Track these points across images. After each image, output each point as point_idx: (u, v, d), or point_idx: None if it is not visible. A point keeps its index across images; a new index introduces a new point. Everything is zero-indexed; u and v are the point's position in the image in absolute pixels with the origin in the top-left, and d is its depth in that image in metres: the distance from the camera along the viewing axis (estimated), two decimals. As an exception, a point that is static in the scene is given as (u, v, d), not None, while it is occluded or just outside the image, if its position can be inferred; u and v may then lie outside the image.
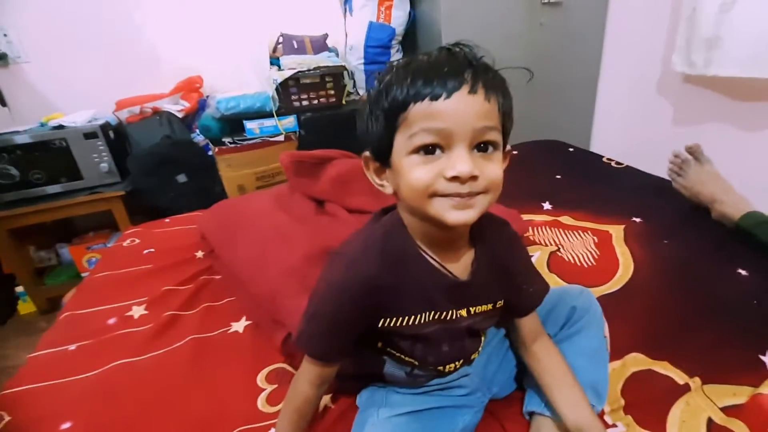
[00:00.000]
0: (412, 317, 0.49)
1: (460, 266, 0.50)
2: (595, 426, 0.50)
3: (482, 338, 0.58)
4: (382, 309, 0.48)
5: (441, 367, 0.55)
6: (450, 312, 0.50)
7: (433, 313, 0.49)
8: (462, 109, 0.40)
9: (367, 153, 0.48)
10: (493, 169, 0.42)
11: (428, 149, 0.41)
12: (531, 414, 0.57)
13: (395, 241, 0.48)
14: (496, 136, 0.42)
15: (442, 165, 0.41)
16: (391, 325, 0.49)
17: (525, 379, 0.60)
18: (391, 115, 0.42)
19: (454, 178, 0.40)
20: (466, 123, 0.40)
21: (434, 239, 0.48)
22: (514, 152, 1.54)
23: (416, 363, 0.54)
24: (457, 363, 0.55)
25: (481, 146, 0.42)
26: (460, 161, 0.40)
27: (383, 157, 0.45)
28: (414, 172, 0.41)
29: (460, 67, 0.41)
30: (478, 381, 0.59)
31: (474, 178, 0.41)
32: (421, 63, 0.42)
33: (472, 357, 0.57)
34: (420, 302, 0.49)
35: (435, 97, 0.40)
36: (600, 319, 0.62)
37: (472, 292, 0.51)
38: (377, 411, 0.54)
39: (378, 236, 0.49)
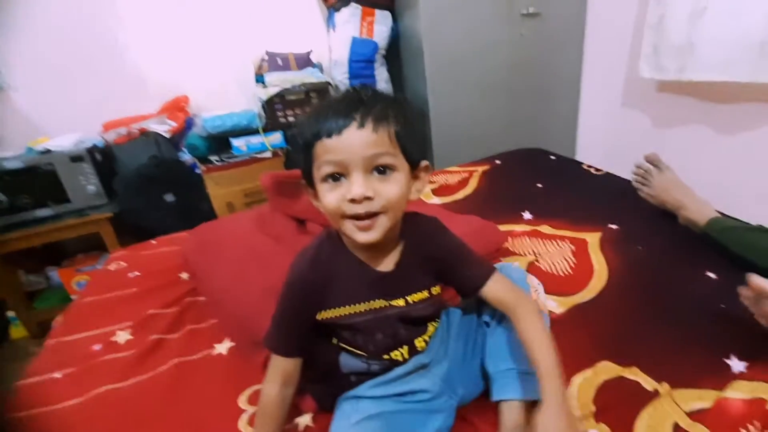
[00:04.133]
0: (343, 308, 0.57)
1: (388, 262, 0.58)
2: (553, 394, 0.51)
3: (429, 327, 0.62)
4: (318, 303, 0.57)
5: (386, 355, 0.60)
6: (378, 302, 0.57)
7: (361, 304, 0.57)
8: (351, 142, 0.48)
9: (303, 181, 0.57)
10: (390, 188, 0.50)
11: (334, 177, 0.50)
12: (498, 403, 0.60)
13: (326, 247, 0.58)
14: (389, 160, 0.50)
15: (345, 189, 0.50)
16: (328, 317, 0.57)
17: (487, 368, 0.62)
18: (306, 150, 0.52)
19: (352, 200, 0.49)
20: (356, 153, 0.48)
21: (363, 247, 0.56)
22: (497, 162, 1.57)
23: (363, 353, 0.59)
24: (401, 350, 0.60)
25: (380, 170, 0.50)
26: (355, 185, 0.49)
27: (311, 183, 0.54)
28: (326, 197, 0.51)
29: (351, 106, 0.50)
30: (440, 383, 0.61)
31: (369, 198, 0.49)
32: (323, 106, 0.52)
33: (418, 345, 0.61)
34: (349, 295, 0.57)
35: (329, 135, 0.49)
36: (525, 285, 0.66)
37: (399, 283, 0.58)
38: (348, 417, 0.57)
39: (313, 245, 0.59)
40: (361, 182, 0.49)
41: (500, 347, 0.61)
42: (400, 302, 0.58)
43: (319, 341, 0.60)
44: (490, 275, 0.61)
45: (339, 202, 0.50)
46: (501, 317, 0.63)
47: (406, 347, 0.60)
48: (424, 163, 0.56)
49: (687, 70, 1.46)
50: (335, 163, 0.49)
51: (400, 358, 0.60)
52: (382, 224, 0.51)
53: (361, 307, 0.57)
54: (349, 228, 0.51)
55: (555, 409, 0.50)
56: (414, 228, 0.60)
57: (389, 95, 0.54)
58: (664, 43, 1.51)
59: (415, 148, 0.53)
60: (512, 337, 0.61)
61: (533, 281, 0.65)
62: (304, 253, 0.59)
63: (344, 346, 0.60)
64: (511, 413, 0.58)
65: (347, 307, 0.57)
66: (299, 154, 0.54)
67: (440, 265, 0.61)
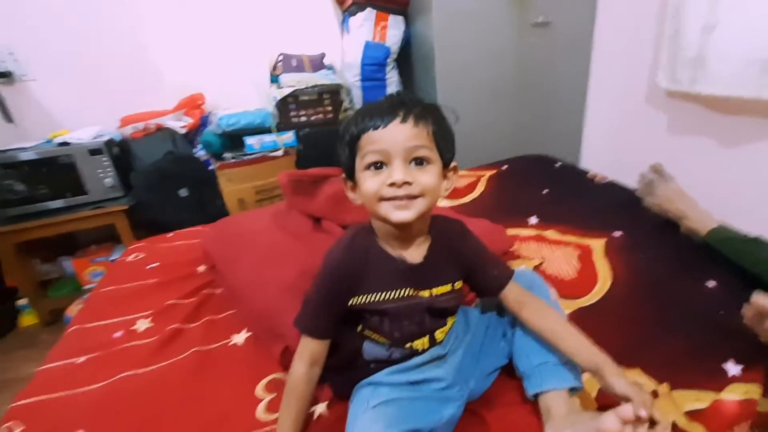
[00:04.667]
0: (375, 295, 0.61)
1: (417, 255, 0.62)
2: (607, 361, 0.57)
3: (447, 320, 0.67)
4: (351, 289, 0.61)
5: (409, 344, 0.64)
6: (408, 291, 0.61)
7: (392, 292, 0.61)
8: (395, 133, 0.55)
9: (342, 175, 0.63)
10: (427, 177, 0.56)
11: (376, 165, 0.56)
12: (536, 396, 0.62)
13: (360, 238, 0.63)
14: (426, 153, 0.56)
15: (385, 176, 0.55)
16: (359, 302, 0.61)
17: (518, 366, 0.66)
18: (351, 144, 0.58)
19: (392, 184, 0.54)
20: (399, 143, 0.55)
21: (395, 236, 0.61)
22: (504, 167, 1.60)
23: (388, 341, 0.63)
24: (424, 340, 0.64)
25: (417, 161, 0.56)
26: (395, 171, 0.54)
27: (351, 176, 0.60)
28: (367, 183, 0.56)
29: (395, 105, 0.56)
30: (454, 373, 0.65)
31: (408, 183, 0.54)
32: (368, 107, 0.58)
33: (437, 336, 0.65)
34: (381, 283, 0.61)
35: (375, 128, 0.55)
36: (543, 287, 0.71)
37: (426, 274, 0.62)
38: (367, 401, 0.60)
39: (347, 236, 0.64)
40: (402, 168, 0.54)
41: (529, 345, 0.64)
42: (426, 293, 0.62)
43: (344, 330, 0.64)
44: (512, 277, 0.67)
45: (379, 187, 0.55)
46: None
47: (427, 337, 0.65)
48: (453, 164, 0.61)
49: (698, 82, 1.49)
50: (379, 151, 0.55)
51: (420, 348, 0.65)
52: (417, 206, 0.56)
53: (392, 295, 0.61)
54: (386, 208, 0.56)
55: (615, 368, 0.55)
56: (442, 226, 0.65)
57: (425, 100, 0.59)
58: (678, 55, 1.54)
59: (448, 148, 0.59)
60: (538, 336, 0.64)
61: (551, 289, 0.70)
62: (339, 242, 0.64)
63: (369, 334, 0.64)
64: (557, 403, 0.60)
65: (379, 294, 0.61)
66: (342, 149, 0.60)
67: (467, 263, 0.66)
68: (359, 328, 0.64)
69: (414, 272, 0.62)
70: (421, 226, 0.62)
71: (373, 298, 0.61)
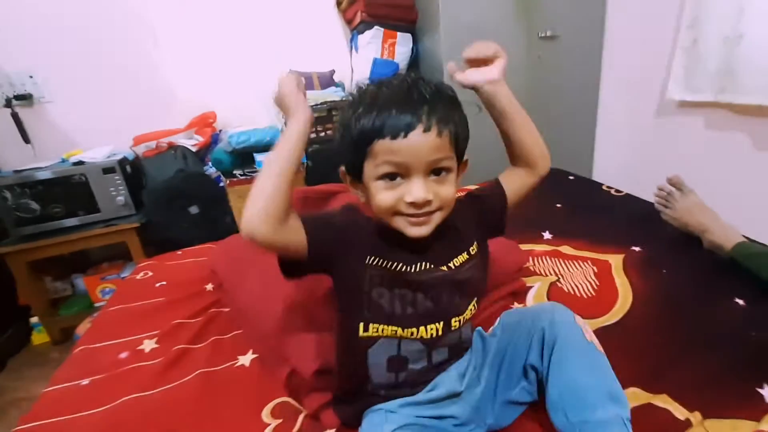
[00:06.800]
0: (393, 264, 0.55)
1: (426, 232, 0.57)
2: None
3: (467, 307, 0.61)
4: (367, 244, 0.55)
5: (422, 327, 0.57)
6: (427, 264, 0.57)
7: (410, 266, 0.56)
8: (417, 146, 0.49)
9: (342, 168, 0.58)
10: (446, 189, 0.52)
11: (391, 176, 0.51)
12: None
13: (376, 219, 0.56)
14: (448, 163, 0.52)
15: (402, 191, 0.51)
16: (378, 264, 0.55)
17: (554, 420, 0.57)
18: (360, 144, 0.51)
19: (412, 203, 0.50)
20: (421, 158, 0.49)
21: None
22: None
23: (396, 328, 0.56)
24: (437, 325, 0.58)
25: (437, 171, 0.51)
26: (416, 189, 0.50)
27: (356, 175, 0.55)
28: (380, 195, 0.52)
29: (417, 104, 0.49)
30: (470, 411, 0.60)
31: (428, 202, 0.50)
32: (383, 98, 0.50)
33: (453, 324, 0.59)
34: (396, 253, 0.56)
35: (395, 136, 0.48)
36: (575, 327, 0.59)
37: (441, 245, 0.58)
38: (381, 427, 0.56)
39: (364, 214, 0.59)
40: (422, 185, 0.50)
41: (565, 398, 0.55)
42: (444, 268, 0.58)
43: (347, 338, 0.59)
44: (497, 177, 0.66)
45: (395, 202, 0.51)
46: (557, 361, 0.57)
47: (441, 323, 0.58)
48: (465, 157, 0.58)
49: (726, 91, 1.46)
50: (396, 164, 0.50)
51: (434, 334, 0.58)
52: (435, 220, 0.53)
53: (411, 268, 0.56)
54: (401, 223, 0.52)
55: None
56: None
57: (445, 91, 0.53)
58: (698, 66, 1.52)
59: (465, 145, 0.55)
60: (583, 379, 0.54)
61: (579, 320, 0.60)
62: (352, 204, 0.60)
63: (374, 331, 0.56)
64: None
65: (397, 264, 0.56)
66: (347, 143, 0.53)
67: (471, 212, 0.62)
68: (362, 326, 0.57)
69: (428, 245, 0.57)
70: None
71: (392, 265, 0.55)
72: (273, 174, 0.48)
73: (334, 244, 0.54)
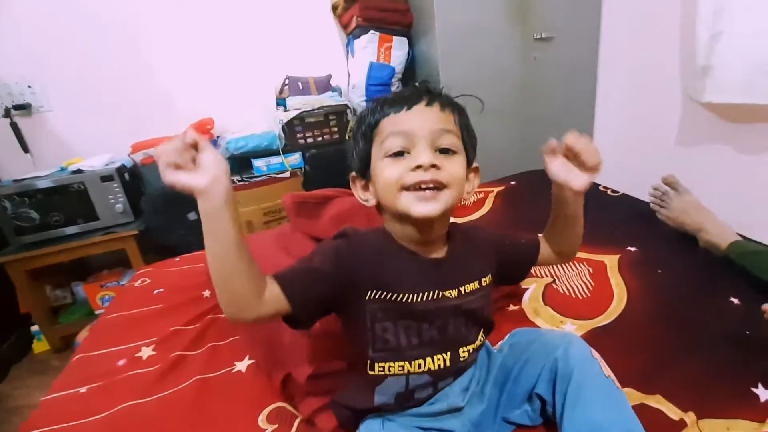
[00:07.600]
0: (396, 295, 0.52)
1: (439, 251, 0.57)
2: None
3: (477, 336, 0.58)
4: (366, 278, 0.52)
5: (429, 359, 0.54)
6: (434, 293, 0.54)
7: (416, 295, 0.53)
8: (421, 115, 0.51)
9: (353, 173, 0.58)
10: (454, 166, 0.51)
11: (398, 153, 0.50)
12: None
13: (374, 234, 0.57)
14: (453, 140, 0.52)
15: (409, 162, 0.50)
16: (380, 297, 0.52)
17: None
18: (367, 133, 0.53)
19: (418, 167, 0.49)
20: (425, 126, 0.50)
21: (413, 239, 0.55)
22: (512, 182, 1.58)
23: (407, 366, 0.54)
24: (444, 355, 0.55)
25: (443, 150, 0.51)
26: (422, 154, 0.49)
27: (365, 170, 0.55)
28: (386, 170, 0.51)
29: (418, 91, 0.52)
30: (470, 425, 0.59)
31: (436, 167, 0.49)
32: (388, 96, 0.54)
33: (461, 354, 0.57)
34: (402, 281, 0.53)
35: (398, 111, 0.51)
36: (592, 361, 0.57)
37: (452, 270, 0.56)
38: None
39: (362, 232, 0.58)
40: (428, 152, 0.49)
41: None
42: (453, 293, 0.55)
43: (357, 378, 0.58)
44: (537, 239, 0.66)
45: (401, 173, 0.49)
46: (573, 397, 0.54)
47: (449, 353, 0.56)
48: (475, 164, 0.57)
49: (706, 92, 1.46)
50: (401, 133, 0.50)
51: (441, 365, 0.55)
52: (444, 198, 0.50)
53: (416, 297, 0.53)
54: (407, 200, 0.49)
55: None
56: (458, 227, 0.62)
57: (452, 97, 0.56)
58: (692, 65, 1.52)
59: (472, 144, 0.56)
60: (603, 418, 0.51)
61: (595, 353, 0.59)
62: (352, 231, 0.57)
63: (380, 369, 0.54)
64: None
65: (400, 293, 0.52)
66: (356, 142, 0.55)
67: (493, 246, 0.62)
68: (368, 364, 0.55)
69: (438, 268, 0.55)
70: (441, 229, 0.56)
71: (395, 297, 0.52)
72: (216, 264, 0.45)
73: (324, 295, 0.51)
